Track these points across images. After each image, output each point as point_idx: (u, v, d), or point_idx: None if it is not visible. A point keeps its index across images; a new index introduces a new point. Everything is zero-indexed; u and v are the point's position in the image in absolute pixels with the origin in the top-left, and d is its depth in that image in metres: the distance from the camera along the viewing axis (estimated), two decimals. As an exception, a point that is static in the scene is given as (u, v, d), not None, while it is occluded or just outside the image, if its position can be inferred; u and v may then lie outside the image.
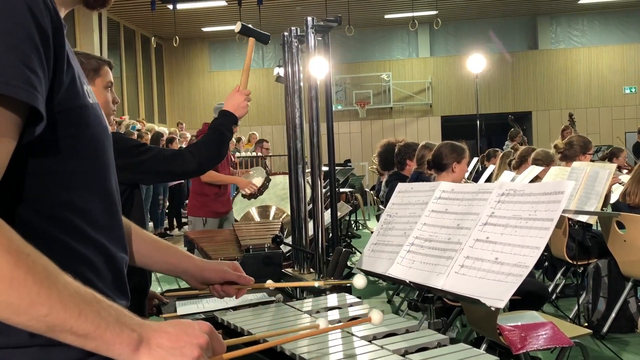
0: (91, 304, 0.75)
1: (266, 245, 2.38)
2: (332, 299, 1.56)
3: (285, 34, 2.05)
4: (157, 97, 17.70)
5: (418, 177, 3.98)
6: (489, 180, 6.36)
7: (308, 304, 1.54)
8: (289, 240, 3.24)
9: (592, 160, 9.90)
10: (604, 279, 3.98)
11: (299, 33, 2.00)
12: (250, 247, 2.33)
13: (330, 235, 2.66)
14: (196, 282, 1.34)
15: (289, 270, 2.16)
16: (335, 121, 16.72)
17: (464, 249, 1.33)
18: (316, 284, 1.55)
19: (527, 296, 3.10)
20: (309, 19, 1.85)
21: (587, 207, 3.25)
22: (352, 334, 1.28)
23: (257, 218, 4.54)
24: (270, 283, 1.47)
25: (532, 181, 4.66)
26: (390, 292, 5.30)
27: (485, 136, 19.55)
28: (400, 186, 1.72)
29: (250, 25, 1.84)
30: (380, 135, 18.24)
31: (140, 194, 2.05)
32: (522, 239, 1.21)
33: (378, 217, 7.02)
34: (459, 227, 1.40)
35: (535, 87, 17.76)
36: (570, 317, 4.18)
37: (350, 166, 13.43)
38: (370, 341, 1.24)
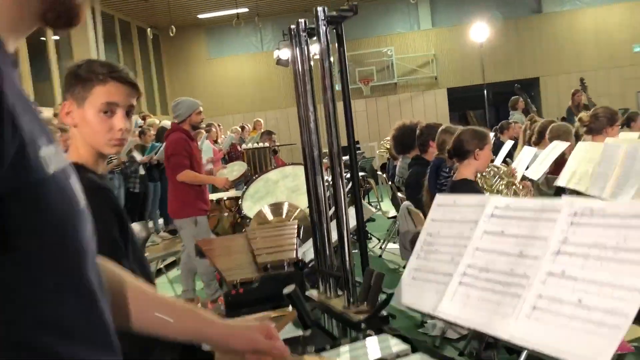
0: None
1: (286, 262, 2.16)
2: (373, 347, 1.34)
3: (293, 26, 1.80)
4: (158, 89, 17.44)
5: (440, 164, 3.74)
6: (509, 156, 6.10)
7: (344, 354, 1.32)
8: (309, 248, 3.02)
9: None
10: None
11: (307, 26, 1.75)
12: (269, 265, 2.11)
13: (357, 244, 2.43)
14: (222, 351, 1.14)
15: (314, 293, 1.94)
16: (339, 101, 16.54)
17: (534, 284, 1.09)
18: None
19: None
20: (320, 9, 1.60)
21: (626, 187, 3.00)
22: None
23: (270, 216, 4.33)
24: (308, 358, 1.25)
25: (557, 159, 4.41)
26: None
27: (493, 105, 19.19)
28: (440, 199, 1.49)
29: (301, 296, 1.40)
30: (386, 112, 17.93)
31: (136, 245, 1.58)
32: (612, 276, 0.97)
33: (394, 202, 6.79)
34: (523, 255, 1.16)
35: (542, 53, 17.33)
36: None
37: (359, 148, 13.12)
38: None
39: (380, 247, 6.94)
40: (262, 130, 8.84)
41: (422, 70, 17.67)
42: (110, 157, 7.24)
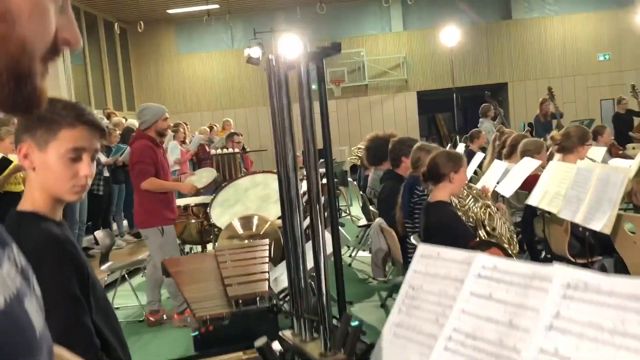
0: None
1: (258, 296, 2.08)
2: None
3: (271, 57, 1.72)
4: (125, 84, 17.06)
5: (414, 182, 3.70)
6: (478, 166, 6.12)
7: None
8: (282, 274, 2.94)
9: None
10: (611, 280, 3.79)
11: (286, 60, 1.67)
12: (240, 301, 2.02)
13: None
14: None
15: (288, 334, 1.87)
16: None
17: (525, 360, 1.04)
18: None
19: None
20: (302, 44, 1.52)
21: (599, 213, 3.01)
22: None
23: (240, 230, 4.24)
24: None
25: (529, 181, 4.43)
26: (384, 294, 5.06)
27: (461, 110, 19.39)
28: (423, 249, 1.43)
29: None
30: (356, 114, 17.94)
31: None
32: (609, 362, 0.93)
33: (364, 211, 6.75)
34: (513, 326, 1.11)
35: (511, 58, 17.57)
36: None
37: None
38: None
39: (350, 256, 6.89)
40: (228, 132, 8.68)
41: (392, 72, 17.71)
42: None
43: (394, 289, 4.98)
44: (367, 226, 6.72)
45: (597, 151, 5.61)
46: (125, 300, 5.64)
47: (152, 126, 4.60)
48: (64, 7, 0.64)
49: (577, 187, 3.28)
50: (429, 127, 21.47)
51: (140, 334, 4.78)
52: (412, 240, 3.29)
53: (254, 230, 4.28)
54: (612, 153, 6.70)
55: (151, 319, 4.93)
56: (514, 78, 17.65)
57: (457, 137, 16.43)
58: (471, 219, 3.14)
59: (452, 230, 2.89)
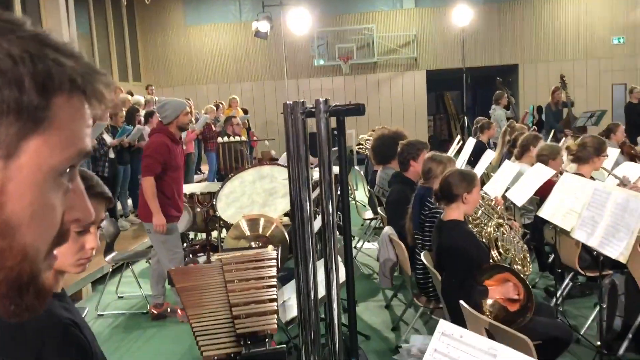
0: None
1: (267, 334, 2.04)
2: None
3: (289, 103, 1.63)
4: (131, 55, 16.85)
5: (424, 193, 3.63)
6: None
7: None
8: (291, 300, 2.90)
9: (583, 129, 9.61)
10: (621, 298, 3.74)
11: (306, 107, 1.58)
12: (249, 341, 1.98)
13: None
14: None
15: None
16: (317, 77, 16.38)
17: None
18: None
19: (550, 341, 2.84)
20: (321, 101, 1.43)
21: (615, 240, 2.94)
22: None
23: (247, 231, 4.18)
24: None
25: (541, 188, 4.35)
26: (389, 294, 5.03)
27: (470, 89, 19.15)
28: (445, 327, 1.37)
29: None
30: (364, 91, 17.72)
31: None
32: None
33: (371, 204, 6.70)
34: None
35: (523, 39, 17.26)
36: (582, 333, 3.96)
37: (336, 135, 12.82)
38: None
39: (355, 247, 6.85)
40: (227, 116, 8.55)
41: (402, 50, 17.44)
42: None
43: (400, 289, 4.95)
44: (373, 219, 6.68)
45: (610, 152, 5.51)
46: (130, 289, 5.63)
47: (173, 121, 4.53)
48: (72, 182, 0.57)
49: (593, 208, 3.20)
50: (437, 105, 21.24)
51: (144, 328, 4.78)
52: (423, 258, 3.24)
53: (260, 232, 4.23)
54: (624, 152, 6.59)
55: (154, 312, 4.92)
56: (525, 60, 17.36)
57: (466, 118, 16.27)
58: (484, 239, 3.07)
59: (466, 251, 2.83)
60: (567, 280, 4.46)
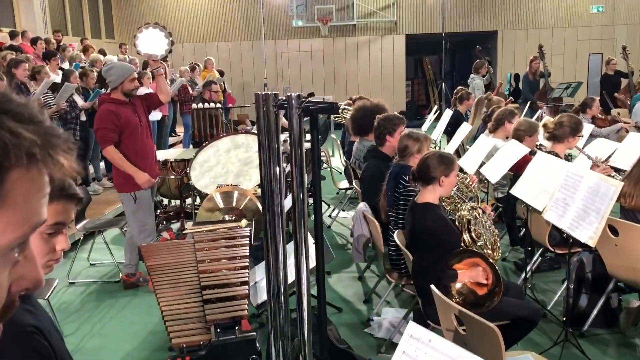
0: None
1: (237, 320, 2.03)
2: None
3: (260, 94, 1.57)
4: (104, 11, 16.32)
5: (399, 171, 3.62)
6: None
7: None
8: (262, 281, 2.88)
9: (559, 100, 9.67)
10: (588, 275, 3.82)
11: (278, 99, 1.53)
12: (219, 330, 1.96)
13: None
14: None
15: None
16: (295, 38, 16.13)
17: None
18: None
19: (518, 321, 2.89)
20: (293, 96, 1.39)
21: (585, 223, 2.98)
22: None
23: (220, 204, 4.15)
24: None
25: (515, 164, 4.37)
26: (362, 265, 5.07)
27: (449, 54, 19.06)
28: (414, 330, 1.37)
29: None
30: (343, 54, 17.51)
31: None
32: None
33: (346, 174, 6.68)
34: None
35: (503, 6, 17.14)
36: (549, 308, 4.06)
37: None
38: None
39: (330, 216, 6.87)
40: (206, 80, 8.39)
41: (382, 13, 17.20)
42: (48, 103, 6.75)
43: (373, 260, 4.99)
44: (348, 189, 6.68)
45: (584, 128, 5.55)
46: (102, 256, 5.58)
47: (118, 87, 4.40)
48: (23, 252, 0.53)
49: (565, 190, 3.23)
50: (415, 70, 21.13)
51: (116, 297, 4.76)
52: (395, 237, 3.25)
53: (234, 204, 4.20)
54: (596, 124, 6.65)
55: (127, 281, 4.90)
56: (505, 27, 17.29)
57: (444, 84, 16.23)
58: (457, 221, 3.09)
59: (438, 235, 2.84)
60: (536, 256, 4.54)
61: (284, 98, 1.45)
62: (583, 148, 4.90)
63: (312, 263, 2.39)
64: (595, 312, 3.73)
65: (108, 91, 4.58)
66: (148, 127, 4.74)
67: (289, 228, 2.82)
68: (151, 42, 4.74)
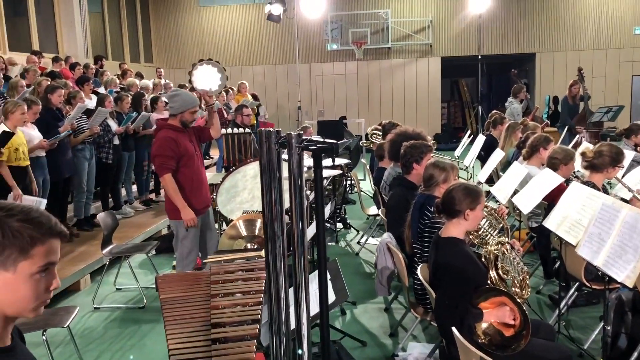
0: None
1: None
2: None
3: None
4: (143, 36, 16.72)
5: (424, 201, 3.49)
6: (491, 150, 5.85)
7: None
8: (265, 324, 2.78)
9: (599, 124, 9.34)
10: (628, 315, 3.59)
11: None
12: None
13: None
14: None
15: None
16: (330, 61, 16.22)
17: None
18: None
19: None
20: (293, 135, 1.30)
21: (621, 261, 2.79)
22: None
23: (243, 232, 4.08)
24: None
25: (550, 193, 4.19)
26: (389, 297, 4.91)
27: (485, 76, 18.81)
28: None
29: None
30: (377, 76, 17.47)
31: None
32: None
33: (375, 200, 6.55)
34: None
35: (540, 27, 16.87)
36: (585, 347, 3.83)
37: (346, 124, 12.54)
38: None
39: (359, 242, 6.74)
40: (238, 105, 8.43)
41: (417, 36, 17.13)
42: (82, 128, 6.86)
43: (400, 290, 4.84)
44: (377, 215, 6.54)
45: (626, 155, 5.31)
46: (128, 280, 5.57)
47: (177, 115, 4.43)
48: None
49: (600, 224, 3.04)
50: (451, 92, 20.92)
51: (139, 324, 4.72)
52: (419, 272, 3.11)
53: (256, 232, 4.13)
54: (638, 151, 6.37)
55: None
56: (543, 49, 16.98)
57: (480, 107, 15.96)
58: (484, 257, 2.94)
59: (461, 272, 2.69)
60: (572, 290, 4.32)
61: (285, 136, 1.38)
62: (624, 176, 4.67)
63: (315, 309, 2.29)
64: (636, 354, 3.50)
65: (167, 116, 4.60)
66: (201, 155, 4.78)
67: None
68: (206, 78, 4.81)
